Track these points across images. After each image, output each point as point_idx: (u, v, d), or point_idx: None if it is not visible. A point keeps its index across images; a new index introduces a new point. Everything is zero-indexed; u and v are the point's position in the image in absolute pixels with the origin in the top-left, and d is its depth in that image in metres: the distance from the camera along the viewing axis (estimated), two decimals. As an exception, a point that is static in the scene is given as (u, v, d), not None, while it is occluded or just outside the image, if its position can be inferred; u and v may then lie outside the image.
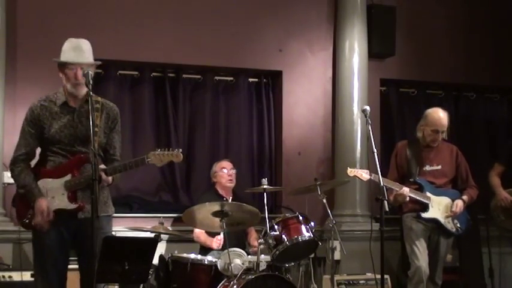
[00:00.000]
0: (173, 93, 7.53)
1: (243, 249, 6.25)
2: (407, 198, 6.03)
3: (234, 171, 6.91)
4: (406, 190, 6.00)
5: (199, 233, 6.56)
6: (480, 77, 8.45)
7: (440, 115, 6.22)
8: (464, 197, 6.29)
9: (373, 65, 7.90)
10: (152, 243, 4.65)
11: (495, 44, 8.52)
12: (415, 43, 8.25)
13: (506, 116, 8.75)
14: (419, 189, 6.17)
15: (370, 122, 5.50)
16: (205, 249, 6.52)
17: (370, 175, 5.60)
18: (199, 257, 6.02)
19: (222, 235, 6.30)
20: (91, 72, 4.45)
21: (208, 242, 6.50)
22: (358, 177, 5.90)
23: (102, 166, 4.53)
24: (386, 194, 5.28)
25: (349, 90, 7.66)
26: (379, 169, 5.43)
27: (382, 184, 5.37)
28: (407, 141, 6.44)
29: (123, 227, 6.54)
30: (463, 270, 7.40)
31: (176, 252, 6.00)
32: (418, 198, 6.09)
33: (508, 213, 6.69)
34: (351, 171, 5.96)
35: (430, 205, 6.15)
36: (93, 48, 4.84)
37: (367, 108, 5.60)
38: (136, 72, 7.46)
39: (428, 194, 6.17)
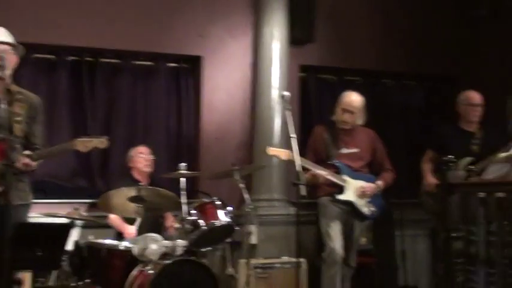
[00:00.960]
0: (90, 78, 7.45)
1: (159, 233, 6.22)
2: (322, 180, 6.10)
3: (151, 156, 6.87)
4: (323, 173, 6.06)
5: (114, 217, 6.53)
6: (397, 64, 8.58)
7: (352, 97, 6.35)
8: (379, 182, 6.42)
9: (293, 51, 7.95)
10: (65, 228, 4.68)
11: (412, 32, 8.67)
12: (335, 30, 8.33)
13: (422, 102, 8.93)
14: (337, 172, 6.24)
15: (289, 107, 5.54)
16: (121, 235, 6.47)
17: (290, 155, 5.60)
18: (114, 242, 6.00)
19: (135, 227, 6.25)
20: (5, 56, 4.44)
21: (122, 228, 6.50)
22: (277, 157, 5.94)
23: (27, 152, 4.57)
24: (302, 178, 5.30)
25: (268, 76, 7.70)
26: (297, 154, 5.47)
27: (298, 168, 5.40)
28: (326, 125, 6.53)
29: (36, 213, 6.41)
30: (376, 253, 7.51)
31: (91, 238, 5.93)
32: (334, 180, 6.18)
33: (436, 197, 6.80)
34: (270, 150, 6.00)
35: (346, 188, 6.24)
36: (7, 29, 4.78)
37: (286, 94, 5.67)
38: (52, 56, 7.33)
39: (345, 176, 6.26)
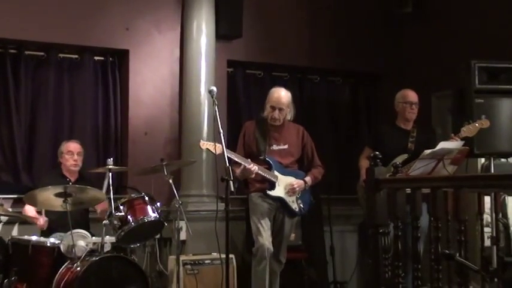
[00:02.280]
0: (14, 71, 7.26)
1: (87, 229, 6.15)
2: (253, 175, 6.13)
3: (81, 155, 6.72)
4: (255, 168, 6.09)
5: (28, 208, 6.40)
6: (324, 60, 8.65)
7: (280, 93, 6.36)
8: (307, 178, 6.45)
9: (221, 46, 7.93)
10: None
11: (339, 28, 8.75)
12: (262, 26, 8.34)
13: (348, 99, 9.02)
14: (268, 168, 6.27)
15: (216, 103, 5.53)
16: (47, 231, 6.32)
17: (223, 150, 5.57)
18: (41, 239, 5.92)
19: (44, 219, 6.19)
20: None
21: (33, 219, 6.32)
22: (210, 151, 5.90)
23: None
24: (232, 174, 5.33)
25: (196, 71, 7.65)
26: (225, 150, 5.48)
27: (228, 164, 5.38)
28: (256, 121, 6.52)
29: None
30: (306, 249, 7.59)
31: (16, 234, 5.82)
32: (266, 175, 6.19)
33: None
34: (203, 144, 5.97)
35: (276, 184, 6.27)
36: None
37: (214, 89, 5.65)
38: (-26, 48, 7.11)
39: (276, 172, 6.28)
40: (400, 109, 6.79)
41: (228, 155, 5.60)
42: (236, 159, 6.02)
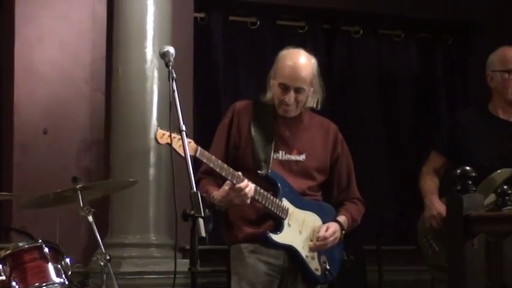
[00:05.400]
0: None
1: None
2: (247, 201, 5.70)
3: None
4: (250, 188, 5.66)
5: None
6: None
7: (297, 61, 5.95)
8: (342, 218, 6.10)
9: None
10: None
11: None
12: None
13: (413, 67, 8.99)
14: (273, 191, 5.85)
15: (175, 76, 5.20)
16: None
17: (196, 150, 5.35)
18: None
19: None
20: None
21: None
22: (174, 149, 5.43)
23: None
24: (201, 205, 4.89)
25: (138, 18, 7.48)
26: (189, 159, 5.06)
27: (194, 189, 4.98)
28: (253, 103, 6.13)
29: None
30: None
31: None
32: (268, 205, 5.79)
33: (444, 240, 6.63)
34: (161, 136, 5.54)
35: (286, 222, 5.87)
36: None
37: (171, 50, 5.30)
38: None
39: (285, 201, 5.90)
40: (498, 83, 6.55)
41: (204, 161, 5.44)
42: (218, 171, 5.62)
